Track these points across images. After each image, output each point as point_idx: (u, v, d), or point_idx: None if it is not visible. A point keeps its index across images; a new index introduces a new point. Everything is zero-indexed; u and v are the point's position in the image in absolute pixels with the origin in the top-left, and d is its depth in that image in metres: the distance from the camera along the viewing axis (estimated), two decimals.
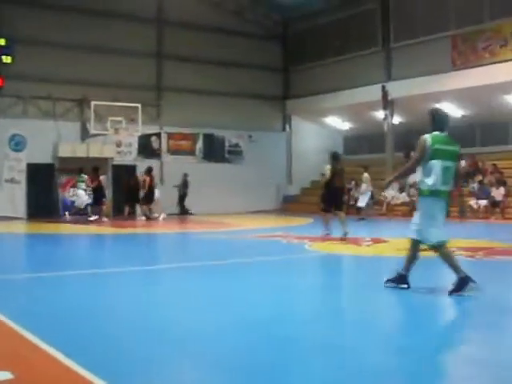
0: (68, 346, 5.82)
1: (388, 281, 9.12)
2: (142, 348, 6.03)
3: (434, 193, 8.71)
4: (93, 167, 29.08)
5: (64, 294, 9.17)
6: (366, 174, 28.25)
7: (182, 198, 33.12)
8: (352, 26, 35.64)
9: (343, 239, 17.00)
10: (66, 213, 29.49)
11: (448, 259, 8.80)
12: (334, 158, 18.63)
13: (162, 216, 29.30)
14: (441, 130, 9.07)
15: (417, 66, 31.53)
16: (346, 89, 34.39)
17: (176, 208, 32.88)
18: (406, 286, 8.92)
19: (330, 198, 18.37)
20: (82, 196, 29.13)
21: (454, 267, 8.71)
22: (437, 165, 8.72)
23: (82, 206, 29.55)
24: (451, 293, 8.56)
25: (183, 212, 33.01)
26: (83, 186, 29.06)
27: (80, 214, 29.18)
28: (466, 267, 12.24)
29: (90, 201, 28.93)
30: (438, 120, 9.18)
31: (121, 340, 6.38)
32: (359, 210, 32.32)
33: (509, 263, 12.51)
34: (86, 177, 28.99)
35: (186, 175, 33.15)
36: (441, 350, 6.10)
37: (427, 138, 8.83)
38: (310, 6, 35.49)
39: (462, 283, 8.52)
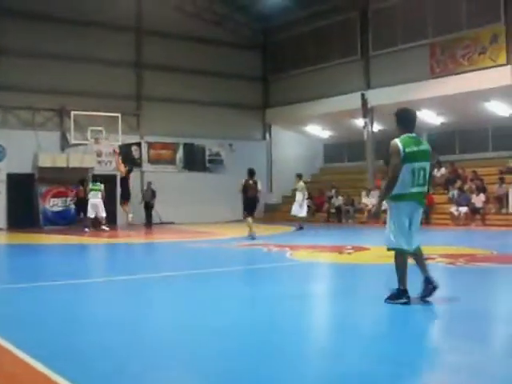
0: (47, 355, 5.77)
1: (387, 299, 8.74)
2: (115, 357, 5.99)
3: (400, 197, 8.48)
4: (80, 179, 29.19)
5: (41, 303, 9.09)
6: (301, 183, 27.38)
7: (147, 207, 32.33)
8: (331, 35, 35.74)
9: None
10: (86, 229, 27.40)
11: (398, 269, 8.71)
12: (249, 173, 22.26)
13: (130, 216, 29.26)
14: (409, 130, 8.85)
15: (396, 74, 31.66)
16: (326, 97, 34.47)
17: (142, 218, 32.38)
18: (404, 300, 8.58)
19: (246, 205, 22.42)
20: (99, 205, 27.82)
21: (400, 278, 8.65)
22: (408, 167, 8.47)
23: (100, 215, 28.15)
24: (385, 300, 8.56)
25: (148, 223, 32.12)
26: (99, 195, 27.83)
27: (95, 226, 28.24)
28: (447, 274, 12.34)
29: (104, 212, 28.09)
30: (404, 120, 9.02)
31: (95, 348, 6.33)
32: (339, 214, 32.54)
33: (489, 270, 12.54)
34: (102, 186, 28.12)
35: (150, 183, 32.75)
36: (417, 358, 6.10)
37: (397, 142, 8.64)
38: (289, 15, 35.57)
39: (398, 295, 8.53)
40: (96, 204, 27.63)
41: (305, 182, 28.39)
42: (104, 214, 27.85)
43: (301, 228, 26.56)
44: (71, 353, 6.19)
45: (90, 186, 28.33)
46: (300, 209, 27.19)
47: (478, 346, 6.45)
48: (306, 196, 28.04)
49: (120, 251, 20.44)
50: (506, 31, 28.19)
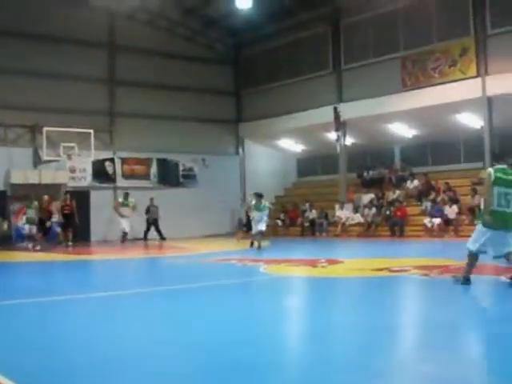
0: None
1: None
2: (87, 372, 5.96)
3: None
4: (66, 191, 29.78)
5: (14, 323, 9.01)
6: (267, 204, 25.82)
7: (155, 223, 32.19)
8: (303, 49, 35.89)
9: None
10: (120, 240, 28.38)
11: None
12: (258, 197, 24.52)
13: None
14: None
15: (368, 87, 31.83)
16: (299, 111, 34.56)
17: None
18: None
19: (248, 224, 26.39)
20: (127, 221, 28.66)
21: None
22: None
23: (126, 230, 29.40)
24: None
25: (162, 237, 32.02)
26: (127, 211, 28.89)
27: (122, 241, 28.91)
28: (421, 286, 12.39)
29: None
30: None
31: (75, 368, 6.27)
32: (313, 228, 32.68)
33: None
34: (133, 201, 29.24)
35: (152, 199, 32.56)
36: (392, 369, 6.11)
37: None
38: (260, 29, 35.66)
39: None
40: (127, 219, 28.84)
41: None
42: (128, 229, 29.30)
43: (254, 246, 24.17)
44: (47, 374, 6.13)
45: (121, 200, 30.09)
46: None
47: (450, 356, 6.46)
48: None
49: (93, 267, 20.31)
50: (476, 44, 28.48)
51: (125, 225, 28.97)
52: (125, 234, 28.74)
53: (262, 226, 23.88)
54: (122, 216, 28.63)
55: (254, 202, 24.68)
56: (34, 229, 28.17)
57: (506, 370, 5.86)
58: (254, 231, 24.11)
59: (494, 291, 11.72)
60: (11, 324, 8.93)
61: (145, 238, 31.86)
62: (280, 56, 37.17)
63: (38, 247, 26.91)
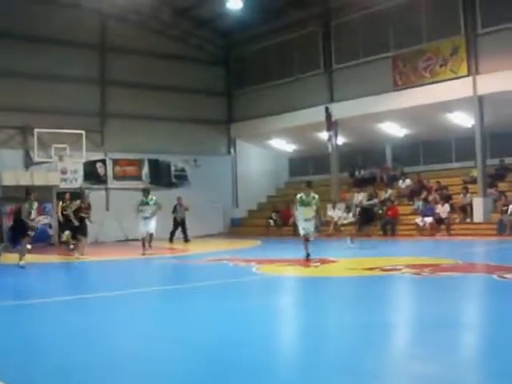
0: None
1: None
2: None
3: None
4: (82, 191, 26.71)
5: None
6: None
7: (182, 223, 30.99)
8: (294, 49, 35.88)
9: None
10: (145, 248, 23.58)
11: None
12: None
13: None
14: None
15: (359, 86, 31.84)
16: (290, 111, 34.58)
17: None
18: None
19: None
20: (152, 222, 24.02)
21: None
22: None
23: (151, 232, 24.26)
24: None
25: (186, 239, 30.78)
26: (150, 211, 23.88)
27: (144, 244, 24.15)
28: (413, 285, 12.41)
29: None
30: None
31: (67, 366, 6.26)
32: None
33: (455, 279, 12.62)
34: (153, 199, 24.25)
35: (180, 198, 31.28)
36: (384, 368, 6.11)
37: None
38: (251, 30, 35.68)
39: None
40: (149, 220, 23.92)
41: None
42: (152, 231, 24.05)
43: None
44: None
45: (142, 200, 24.35)
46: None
47: (448, 355, 6.46)
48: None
49: (85, 269, 20.25)
50: (466, 43, 28.52)
51: (148, 226, 24.03)
52: (150, 235, 24.07)
53: (311, 227, 18.44)
54: (146, 217, 23.91)
55: (299, 196, 18.78)
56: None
57: (499, 367, 5.88)
58: (302, 231, 18.36)
59: (486, 289, 11.72)
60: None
61: (171, 239, 30.68)
62: (271, 56, 37.18)
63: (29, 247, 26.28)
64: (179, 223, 31.02)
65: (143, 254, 22.30)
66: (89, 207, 24.36)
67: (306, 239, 18.08)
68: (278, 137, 38.45)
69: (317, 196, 18.95)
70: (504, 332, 7.47)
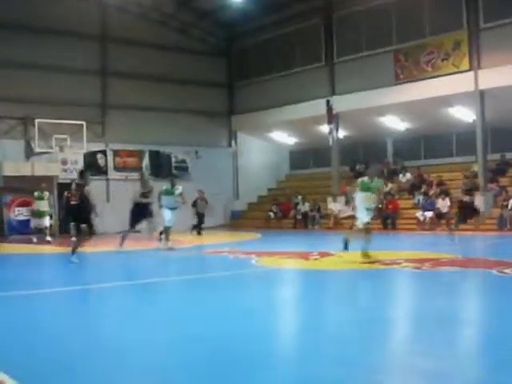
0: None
1: None
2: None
3: None
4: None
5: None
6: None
7: (200, 218, 29.90)
8: (296, 42, 35.85)
9: None
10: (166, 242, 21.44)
11: None
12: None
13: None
14: None
15: (360, 80, 31.83)
16: (291, 104, 34.56)
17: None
18: None
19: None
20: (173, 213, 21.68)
21: None
22: None
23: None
24: None
25: (199, 232, 29.51)
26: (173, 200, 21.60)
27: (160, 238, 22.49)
28: (413, 279, 12.41)
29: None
30: None
31: (65, 357, 6.26)
32: (305, 220, 32.71)
33: (454, 274, 12.63)
34: (180, 189, 21.87)
35: (201, 191, 30.26)
36: (383, 362, 6.11)
37: None
38: (253, 22, 35.65)
39: None
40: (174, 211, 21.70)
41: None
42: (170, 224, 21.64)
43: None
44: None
45: (165, 188, 21.90)
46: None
47: (446, 349, 6.47)
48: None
49: (87, 260, 20.23)
50: (468, 38, 28.50)
51: (172, 218, 21.67)
52: (167, 228, 21.76)
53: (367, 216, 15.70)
54: (172, 207, 21.63)
55: (361, 180, 16.16)
56: (46, 221, 26.35)
57: (497, 361, 5.88)
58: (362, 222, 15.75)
59: (485, 284, 11.72)
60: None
61: (199, 232, 29.40)
62: (273, 48, 37.12)
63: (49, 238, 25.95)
64: (202, 216, 29.95)
65: (169, 249, 20.33)
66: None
67: (368, 230, 15.56)
68: (279, 129, 38.43)
69: (381, 180, 17.07)
70: (502, 327, 7.46)
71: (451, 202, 28.07)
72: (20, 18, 31.32)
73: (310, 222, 33.84)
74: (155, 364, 6.03)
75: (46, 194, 26.78)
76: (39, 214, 26.58)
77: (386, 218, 30.40)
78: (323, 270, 14.00)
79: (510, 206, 26.88)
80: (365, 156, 36.18)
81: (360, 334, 7.32)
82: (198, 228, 29.89)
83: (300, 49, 35.79)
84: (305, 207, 34.32)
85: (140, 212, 20.11)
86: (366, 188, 15.52)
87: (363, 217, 15.49)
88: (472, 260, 15.48)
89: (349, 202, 30.91)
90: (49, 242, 25.41)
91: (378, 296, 10.12)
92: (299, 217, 34.38)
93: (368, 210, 15.53)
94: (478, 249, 20.54)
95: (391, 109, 31.56)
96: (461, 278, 12.18)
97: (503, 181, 29.40)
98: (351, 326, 7.81)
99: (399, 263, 14.19)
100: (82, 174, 20.93)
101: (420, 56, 30.11)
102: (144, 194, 20.35)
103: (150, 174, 34.57)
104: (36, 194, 26.58)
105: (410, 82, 30.30)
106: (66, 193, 26.31)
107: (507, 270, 12.33)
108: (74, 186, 25.22)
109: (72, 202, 24.54)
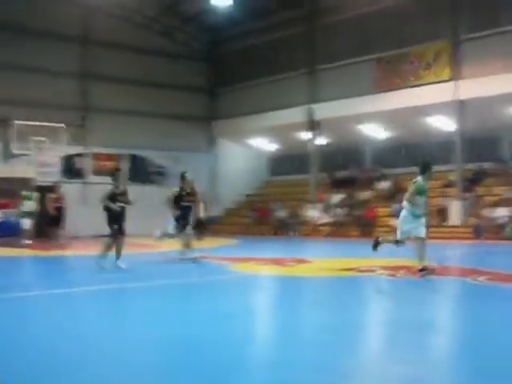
0: None
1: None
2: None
3: None
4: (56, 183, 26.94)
5: None
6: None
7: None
8: (278, 49, 35.92)
9: None
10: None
11: None
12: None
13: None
14: None
15: (342, 88, 31.96)
16: (273, 110, 34.59)
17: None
18: None
19: None
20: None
21: None
22: None
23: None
24: None
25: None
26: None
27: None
28: (388, 286, 12.39)
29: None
30: None
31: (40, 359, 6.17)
32: (283, 227, 32.65)
33: (428, 282, 12.61)
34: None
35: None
36: (357, 367, 6.06)
37: None
38: (237, 28, 35.64)
39: None
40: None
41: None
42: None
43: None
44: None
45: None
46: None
47: (420, 355, 6.43)
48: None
49: (53, 264, 20.11)
50: (450, 48, 28.69)
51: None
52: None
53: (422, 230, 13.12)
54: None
55: (418, 181, 13.55)
56: (29, 223, 25.90)
57: (469, 368, 5.86)
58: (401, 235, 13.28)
59: (459, 292, 11.72)
60: None
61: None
62: (255, 55, 37.18)
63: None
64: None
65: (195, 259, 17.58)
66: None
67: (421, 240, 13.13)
68: (259, 136, 38.43)
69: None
70: (477, 334, 7.46)
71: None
72: (1, 19, 31.13)
73: (287, 228, 33.79)
74: (124, 366, 5.97)
75: (34, 194, 26.58)
76: (27, 215, 26.06)
77: (364, 225, 30.43)
78: (298, 277, 13.94)
79: (486, 215, 27.06)
80: (344, 163, 36.18)
81: (334, 339, 7.28)
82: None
83: (283, 56, 35.84)
84: (282, 213, 34.27)
85: (185, 213, 18.18)
86: (422, 191, 13.29)
87: (420, 228, 13.05)
88: (447, 268, 15.50)
89: (329, 208, 31.01)
90: (28, 245, 25.12)
91: (352, 303, 10.07)
92: (276, 223, 34.32)
93: (419, 217, 13.12)
94: (454, 257, 20.56)
95: (372, 117, 31.67)
96: (434, 286, 12.17)
97: (479, 190, 29.52)
98: (325, 331, 7.76)
99: (374, 270, 14.18)
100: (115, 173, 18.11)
101: (401, 65, 30.24)
102: (188, 195, 18.46)
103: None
104: (24, 193, 26.35)
105: (391, 90, 30.43)
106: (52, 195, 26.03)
107: (481, 278, 12.34)
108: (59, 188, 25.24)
109: (58, 205, 24.60)
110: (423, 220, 13.12)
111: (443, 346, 7.21)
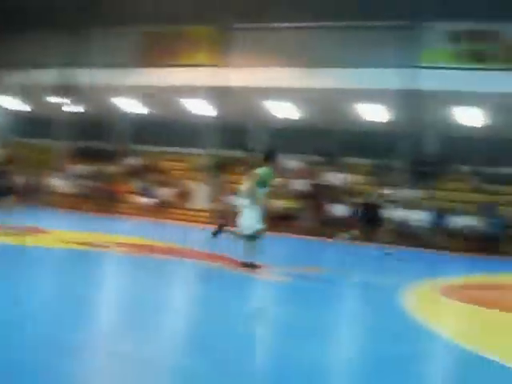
0: None
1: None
2: None
3: None
4: None
5: None
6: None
7: None
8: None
9: None
10: None
11: None
12: None
13: None
14: None
15: (105, 56, 31.00)
16: (25, 69, 32.57)
17: None
18: None
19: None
20: None
21: None
22: None
23: None
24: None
25: None
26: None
27: None
28: (117, 262, 12.03)
29: None
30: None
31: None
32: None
33: (163, 262, 12.42)
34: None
35: None
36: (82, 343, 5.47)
37: None
38: None
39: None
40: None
41: None
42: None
43: None
44: None
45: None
46: None
47: (140, 333, 6.23)
48: None
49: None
50: (220, 33, 29.02)
51: None
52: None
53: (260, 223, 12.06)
54: None
55: (261, 169, 12.18)
56: None
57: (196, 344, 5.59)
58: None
59: (192, 273, 11.57)
60: None
61: None
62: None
63: None
64: None
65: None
66: None
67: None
68: (7, 94, 36.14)
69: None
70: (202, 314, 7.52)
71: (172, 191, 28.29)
72: None
73: (27, 195, 31.99)
74: None
75: None
76: None
77: (108, 200, 29.78)
78: (28, 248, 12.92)
79: (227, 201, 27.30)
80: (97, 134, 34.82)
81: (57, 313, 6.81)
82: None
83: (44, 11, 33.57)
84: (21, 179, 31.87)
85: None
86: (264, 181, 12.00)
87: (255, 222, 11.90)
88: (186, 250, 15.34)
89: (73, 178, 29.96)
90: None
91: (72, 277, 9.51)
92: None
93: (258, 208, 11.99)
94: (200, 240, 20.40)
95: (130, 91, 31.13)
96: (165, 266, 11.98)
97: (225, 177, 29.74)
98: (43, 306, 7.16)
99: (108, 246, 13.82)
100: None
101: (171, 43, 30.09)
102: None
103: None
104: None
105: (155, 66, 30.01)
106: None
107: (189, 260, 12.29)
108: None
109: None
110: (260, 211, 11.95)
111: (170, 325, 6.91)
